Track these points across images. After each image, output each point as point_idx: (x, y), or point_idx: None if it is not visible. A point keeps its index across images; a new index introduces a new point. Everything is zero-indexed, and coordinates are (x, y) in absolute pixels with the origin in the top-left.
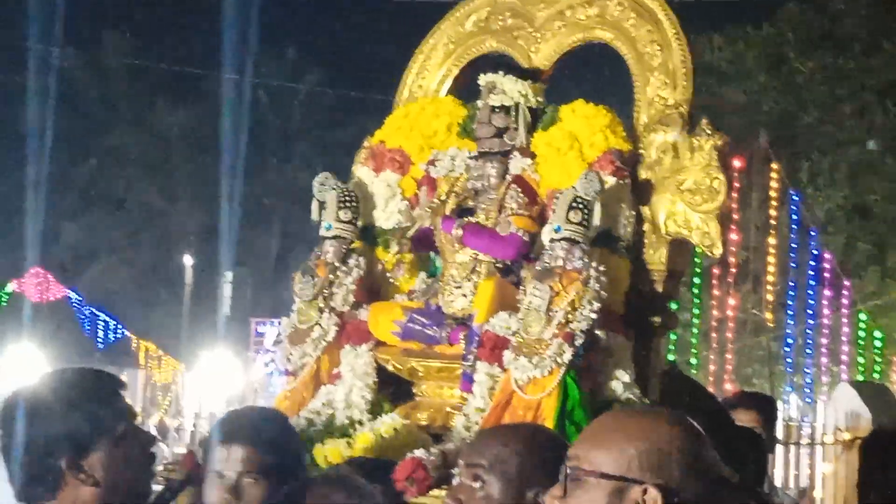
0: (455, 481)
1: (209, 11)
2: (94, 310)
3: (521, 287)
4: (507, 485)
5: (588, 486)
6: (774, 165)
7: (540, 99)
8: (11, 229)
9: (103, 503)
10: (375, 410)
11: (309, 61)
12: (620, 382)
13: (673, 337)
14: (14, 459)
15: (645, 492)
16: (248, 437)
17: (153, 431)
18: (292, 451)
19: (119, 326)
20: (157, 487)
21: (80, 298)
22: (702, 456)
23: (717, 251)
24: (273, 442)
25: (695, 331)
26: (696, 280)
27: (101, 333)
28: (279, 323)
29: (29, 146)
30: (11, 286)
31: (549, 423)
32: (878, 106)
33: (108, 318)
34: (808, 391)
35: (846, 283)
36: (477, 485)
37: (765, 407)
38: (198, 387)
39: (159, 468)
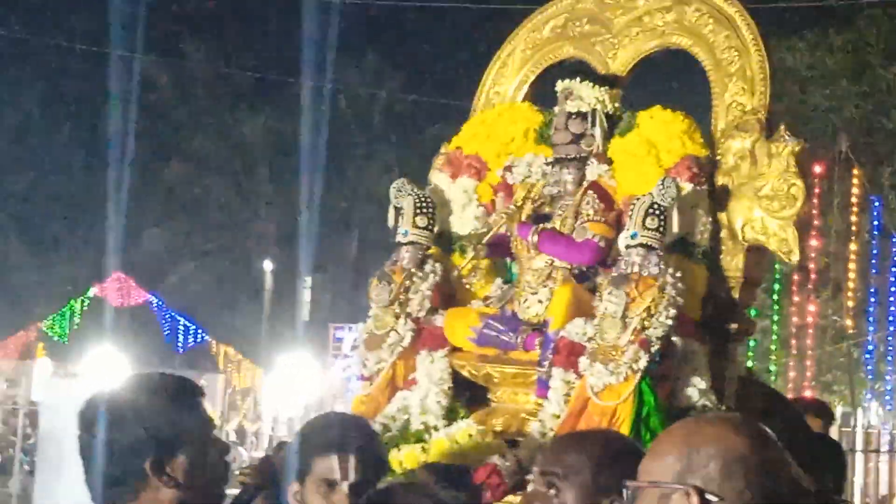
0: (530, 488)
1: (290, 18)
2: (174, 314)
3: (596, 293)
4: (582, 493)
5: (641, 495)
6: (856, 171)
7: (617, 105)
8: (94, 234)
9: None
10: (451, 416)
11: (388, 67)
12: (696, 389)
13: (752, 343)
14: (97, 460)
15: (688, 495)
16: (362, 445)
17: (233, 436)
18: (383, 455)
19: (199, 331)
20: (234, 491)
21: (161, 303)
22: (767, 461)
23: (795, 258)
24: (373, 448)
25: (774, 337)
26: (776, 286)
27: (181, 338)
28: (358, 328)
29: (112, 152)
30: (93, 290)
31: (625, 430)
32: None
33: (188, 323)
34: (889, 398)
35: None
36: (552, 492)
37: (827, 413)
38: (277, 392)
39: (236, 472)
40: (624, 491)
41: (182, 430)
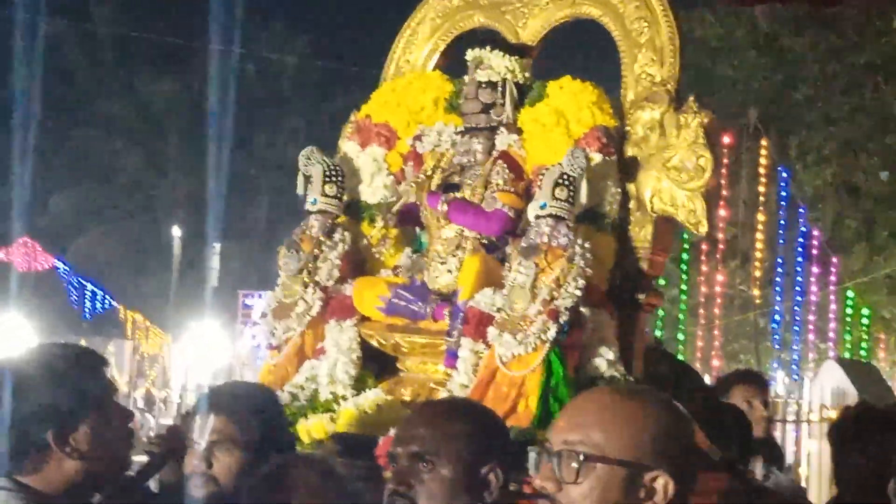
0: (396, 467)
1: None
2: (81, 280)
3: (506, 263)
4: (459, 463)
5: (598, 472)
6: (764, 142)
7: (527, 75)
8: None
9: (86, 477)
10: (359, 386)
11: (297, 33)
12: (604, 359)
13: (661, 313)
14: None
15: (654, 479)
16: (223, 409)
17: (140, 402)
18: (273, 425)
19: (106, 297)
20: (142, 459)
21: (68, 268)
22: (690, 437)
23: (703, 229)
24: (251, 415)
25: (682, 307)
26: (685, 256)
27: (88, 304)
28: (267, 296)
29: (16, 116)
30: None
31: (534, 400)
32: (867, 83)
33: (95, 289)
34: (795, 368)
35: (834, 259)
36: (423, 467)
37: (760, 380)
38: (185, 358)
39: (144, 441)
40: (572, 454)
41: (85, 400)
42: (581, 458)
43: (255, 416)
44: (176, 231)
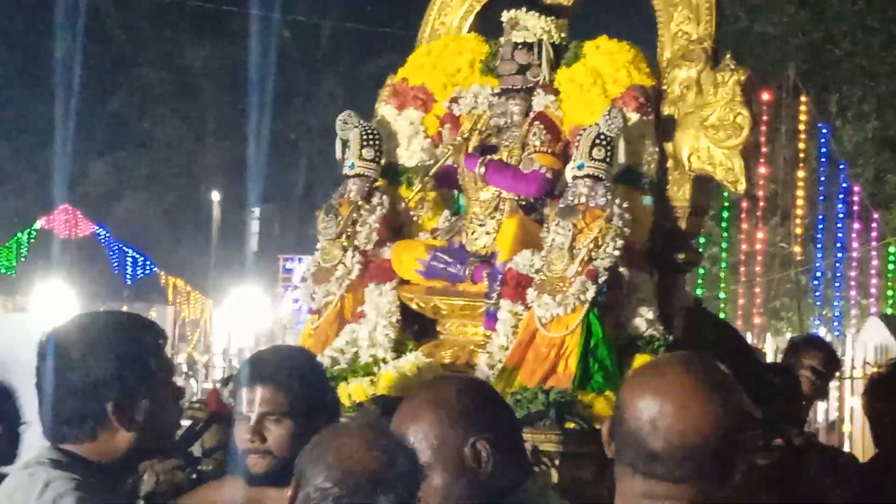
0: None
1: None
2: (122, 246)
3: (544, 224)
4: (436, 452)
5: None
6: (803, 98)
7: (563, 35)
8: (40, 166)
9: (135, 448)
10: (399, 349)
11: None
12: (644, 319)
13: (701, 271)
14: (53, 398)
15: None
16: (270, 377)
17: (183, 367)
18: (318, 389)
19: (147, 262)
20: (184, 423)
21: (109, 235)
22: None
23: (741, 187)
24: (297, 381)
25: (723, 265)
26: (725, 214)
27: (129, 269)
28: (306, 260)
29: (57, 83)
30: (40, 223)
31: (573, 361)
32: None
33: (136, 255)
34: (837, 324)
35: (875, 215)
36: None
37: (828, 348)
38: (226, 323)
39: (186, 405)
40: None
41: (147, 373)
42: None
43: (300, 381)
44: (215, 196)
